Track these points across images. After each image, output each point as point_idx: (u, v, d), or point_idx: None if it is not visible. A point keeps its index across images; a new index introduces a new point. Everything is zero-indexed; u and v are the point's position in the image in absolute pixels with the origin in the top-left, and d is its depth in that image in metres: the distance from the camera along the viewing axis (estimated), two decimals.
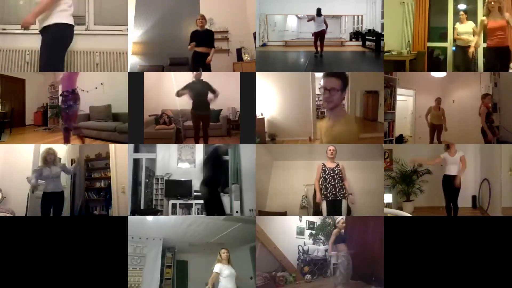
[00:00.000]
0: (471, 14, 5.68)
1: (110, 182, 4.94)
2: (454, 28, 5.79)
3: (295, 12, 9.94)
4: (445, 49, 6.03)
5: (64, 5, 4.41)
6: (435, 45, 6.08)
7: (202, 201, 5.05)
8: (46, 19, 4.37)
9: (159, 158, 5.66)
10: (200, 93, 5.13)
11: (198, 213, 5.19)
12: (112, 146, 5.02)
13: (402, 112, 5.98)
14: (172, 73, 5.67)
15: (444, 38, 6.03)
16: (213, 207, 4.74)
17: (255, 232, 4.46)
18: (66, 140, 4.90)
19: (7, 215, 4.46)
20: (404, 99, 6.14)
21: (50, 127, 6.59)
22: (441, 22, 6.03)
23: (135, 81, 4.40)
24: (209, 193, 4.76)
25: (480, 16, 5.21)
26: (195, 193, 5.37)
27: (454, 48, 5.91)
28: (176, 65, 6.42)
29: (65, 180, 5.18)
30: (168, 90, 5.38)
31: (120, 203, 4.77)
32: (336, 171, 4.61)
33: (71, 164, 5.45)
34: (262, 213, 4.84)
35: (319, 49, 7.80)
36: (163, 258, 5.02)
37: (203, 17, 5.54)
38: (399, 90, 5.49)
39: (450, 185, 4.98)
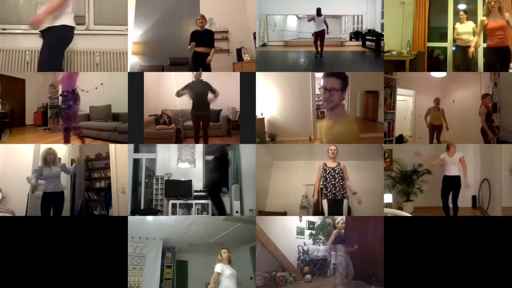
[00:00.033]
0: (471, 14, 5.69)
1: (110, 182, 4.94)
2: (454, 28, 5.80)
3: (295, 12, 9.92)
4: (445, 49, 6.03)
5: (70, 7, 4.43)
6: (435, 45, 6.08)
7: (204, 202, 5.09)
8: (53, 20, 4.37)
9: (159, 158, 5.65)
10: (200, 93, 5.13)
11: (198, 213, 5.18)
12: (112, 146, 5.02)
13: (402, 112, 5.98)
14: (172, 73, 5.67)
15: (444, 38, 6.03)
16: (222, 205, 4.81)
17: (255, 232, 4.46)
18: (66, 140, 4.90)
19: (7, 215, 4.46)
20: (404, 99, 6.14)
21: (50, 127, 6.60)
22: (441, 22, 6.03)
23: (135, 81, 4.40)
24: (218, 192, 4.82)
25: (480, 16, 5.21)
26: (195, 193, 5.37)
27: (454, 48, 5.92)
28: (176, 65, 6.42)
29: (65, 180, 5.17)
30: (168, 90, 5.38)
31: (120, 203, 4.76)
32: (337, 171, 4.61)
33: (71, 164, 5.45)
34: (262, 213, 4.83)
35: (319, 49, 7.79)
36: (163, 258, 5.03)
37: (203, 17, 5.54)
38: (399, 90, 5.49)
39: (449, 186, 4.98)
